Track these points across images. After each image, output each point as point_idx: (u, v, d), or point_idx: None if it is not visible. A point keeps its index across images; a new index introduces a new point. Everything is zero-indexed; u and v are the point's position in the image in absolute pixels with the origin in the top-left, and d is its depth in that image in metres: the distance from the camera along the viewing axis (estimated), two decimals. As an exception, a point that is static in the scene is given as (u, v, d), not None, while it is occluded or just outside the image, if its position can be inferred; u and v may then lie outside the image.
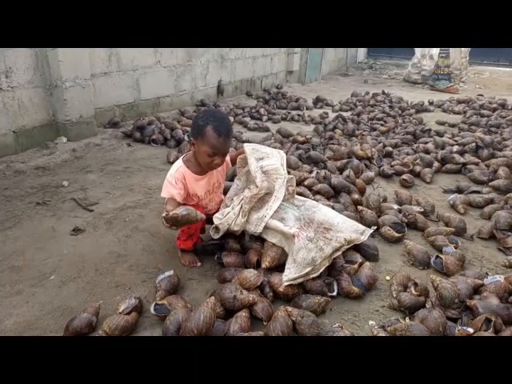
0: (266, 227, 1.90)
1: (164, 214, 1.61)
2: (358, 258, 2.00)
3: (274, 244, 1.92)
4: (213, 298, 1.59)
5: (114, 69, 4.16)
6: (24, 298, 1.74)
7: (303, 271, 1.72)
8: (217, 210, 2.01)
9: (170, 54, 4.84)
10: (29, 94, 3.38)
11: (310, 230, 1.85)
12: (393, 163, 3.45)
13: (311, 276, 1.75)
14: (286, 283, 1.72)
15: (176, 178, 1.85)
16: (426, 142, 4.03)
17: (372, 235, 2.32)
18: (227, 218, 1.89)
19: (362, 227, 2.08)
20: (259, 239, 2.04)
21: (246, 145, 2.01)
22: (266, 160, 1.97)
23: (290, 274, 1.73)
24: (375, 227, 2.26)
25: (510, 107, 5.80)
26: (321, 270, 1.77)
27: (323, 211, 2.04)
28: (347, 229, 2.00)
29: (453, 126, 5.05)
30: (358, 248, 2.10)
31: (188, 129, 3.91)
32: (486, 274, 1.95)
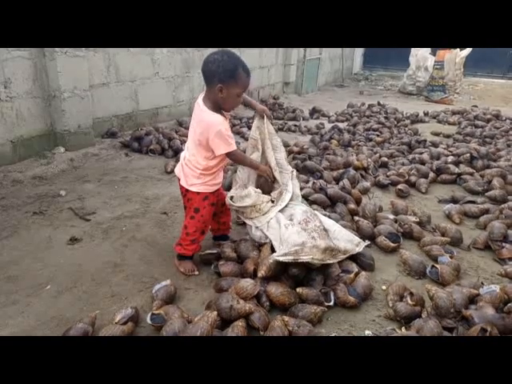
0: (270, 226, 2.00)
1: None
2: (354, 268, 2.00)
3: (270, 254, 1.93)
4: (215, 313, 1.57)
5: (113, 80, 4.20)
6: (20, 308, 1.73)
7: (292, 249, 1.77)
8: None
9: (168, 65, 4.89)
10: (27, 104, 3.40)
11: (316, 220, 1.92)
12: (388, 173, 3.47)
13: (301, 258, 1.77)
14: (276, 257, 1.77)
15: (228, 129, 1.86)
16: (422, 153, 4.06)
17: (368, 245, 2.33)
18: (264, 206, 2.03)
19: (357, 239, 2.10)
20: (256, 248, 2.05)
21: (266, 129, 2.09)
22: (275, 152, 2.11)
23: (280, 251, 1.80)
24: (369, 242, 2.25)
25: (503, 118, 5.87)
26: (312, 257, 1.79)
27: (323, 217, 2.09)
28: (343, 237, 2.01)
29: (448, 136, 5.10)
30: (353, 258, 2.11)
31: (185, 139, 3.93)
32: (482, 283, 1.96)
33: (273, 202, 2.06)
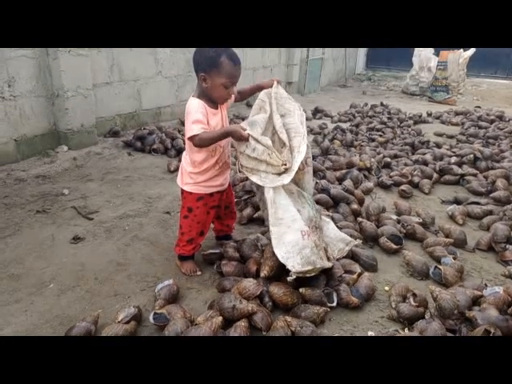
0: (278, 209, 1.76)
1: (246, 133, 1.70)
2: (357, 269, 2.00)
3: (273, 253, 1.92)
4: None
5: (116, 79, 4.21)
6: (23, 307, 1.74)
7: (306, 267, 1.71)
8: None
9: (172, 65, 4.89)
10: (30, 103, 3.41)
11: (315, 236, 1.83)
12: (391, 174, 3.46)
13: (307, 275, 1.76)
14: (295, 275, 1.71)
15: (202, 113, 1.74)
16: (425, 153, 4.05)
17: (371, 246, 2.33)
18: (272, 158, 1.74)
19: (348, 238, 2.05)
20: (259, 248, 2.04)
21: (273, 93, 1.89)
22: (287, 117, 1.88)
23: (296, 265, 1.70)
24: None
25: (507, 119, 5.84)
26: (314, 273, 1.79)
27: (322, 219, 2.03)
28: (336, 235, 1.99)
29: (451, 137, 5.08)
30: (356, 258, 2.11)
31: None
32: (485, 285, 1.95)
33: (285, 165, 1.76)
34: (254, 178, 1.78)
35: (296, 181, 1.88)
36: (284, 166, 1.76)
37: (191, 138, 1.73)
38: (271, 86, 1.91)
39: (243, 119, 5.23)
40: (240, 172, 1.83)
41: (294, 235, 1.74)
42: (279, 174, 1.77)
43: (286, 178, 1.74)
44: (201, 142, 1.73)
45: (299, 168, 1.79)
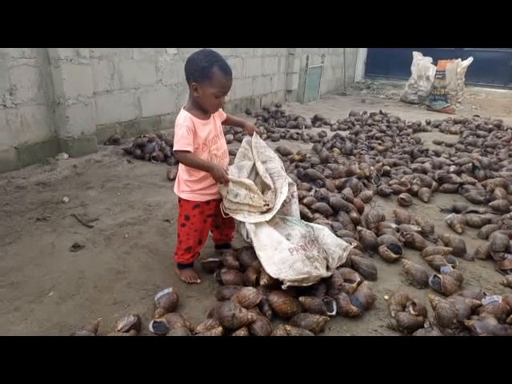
0: (260, 236, 1.88)
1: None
2: (357, 277, 2.00)
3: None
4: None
5: (116, 87, 4.24)
6: (22, 315, 1.73)
7: (300, 276, 1.73)
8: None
9: (172, 73, 4.93)
10: (32, 111, 3.43)
11: (313, 249, 1.85)
12: (391, 182, 3.48)
13: (303, 284, 1.77)
14: (288, 283, 1.72)
15: (187, 128, 1.76)
16: (424, 162, 4.08)
17: (370, 255, 2.33)
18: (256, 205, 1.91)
19: (344, 243, 2.04)
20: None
21: (253, 143, 2.03)
22: (268, 163, 2.06)
23: (289, 275, 1.73)
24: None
25: (505, 128, 5.88)
26: (313, 283, 1.80)
27: (316, 227, 2.03)
28: (332, 241, 1.99)
29: (450, 145, 5.11)
30: (356, 267, 2.11)
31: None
32: (484, 294, 1.95)
33: (268, 205, 1.93)
34: (238, 217, 1.93)
35: (284, 212, 2.05)
36: (266, 207, 1.92)
37: (176, 152, 1.81)
38: (251, 131, 2.07)
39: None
40: (224, 214, 1.95)
41: (283, 254, 1.79)
42: (262, 213, 1.93)
43: (268, 216, 1.90)
44: (183, 160, 1.83)
45: (285, 201, 1.99)
